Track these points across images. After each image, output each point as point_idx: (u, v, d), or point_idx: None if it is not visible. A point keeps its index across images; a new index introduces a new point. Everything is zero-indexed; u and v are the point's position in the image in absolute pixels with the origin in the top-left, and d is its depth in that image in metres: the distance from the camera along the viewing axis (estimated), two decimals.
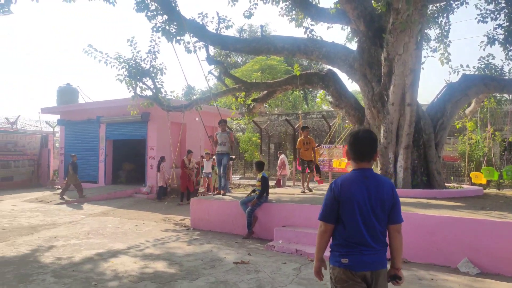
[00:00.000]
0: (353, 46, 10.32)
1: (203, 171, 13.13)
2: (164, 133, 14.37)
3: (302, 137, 9.43)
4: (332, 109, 12.88)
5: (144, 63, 10.88)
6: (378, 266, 2.34)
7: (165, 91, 11.29)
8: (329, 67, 11.34)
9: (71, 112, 18.53)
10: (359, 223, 2.31)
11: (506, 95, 12.07)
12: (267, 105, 34.87)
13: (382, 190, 2.38)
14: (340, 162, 12.39)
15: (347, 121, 11.76)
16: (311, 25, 10.53)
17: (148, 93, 11.34)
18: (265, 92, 11.97)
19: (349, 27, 10.53)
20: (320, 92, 12.84)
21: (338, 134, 16.07)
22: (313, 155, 9.33)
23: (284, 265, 5.49)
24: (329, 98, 10.81)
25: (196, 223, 8.48)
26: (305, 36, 10.41)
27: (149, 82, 11.08)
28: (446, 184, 10.01)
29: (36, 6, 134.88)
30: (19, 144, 20.67)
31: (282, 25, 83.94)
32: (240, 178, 21.48)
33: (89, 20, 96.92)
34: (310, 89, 34.50)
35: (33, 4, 57.09)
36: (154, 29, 9.94)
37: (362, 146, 2.45)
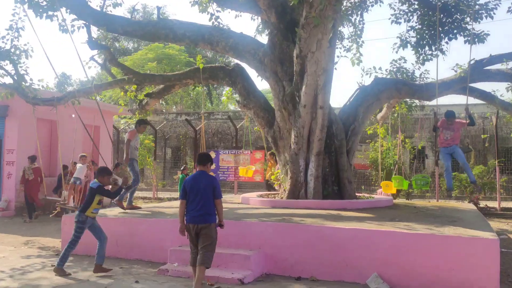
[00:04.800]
0: (264, 39, 10.67)
1: (74, 175, 12.33)
2: (28, 132, 13.12)
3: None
4: (240, 109, 13.15)
5: (3, 41, 9.88)
6: (201, 221, 5.40)
7: (31, 79, 10.36)
8: (237, 61, 11.56)
9: None
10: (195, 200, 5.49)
11: (417, 101, 13.61)
12: (163, 102, 34.23)
13: (205, 181, 5.52)
14: (247, 170, 12.68)
15: (257, 124, 12.11)
16: (217, 11, 10.61)
17: (7, 80, 10.29)
18: (161, 86, 11.72)
19: (259, 18, 10.85)
20: (227, 90, 13.00)
21: (246, 138, 16.45)
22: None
23: None
24: (236, 96, 11.01)
25: None
26: (211, 23, 10.46)
27: (9, 67, 10.07)
28: (357, 193, 10.88)
29: None
30: None
31: (183, 9, 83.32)
32: None
33: None
34: (215, 85, 34.81)
35: None
36: None
37: (200, 157, 5.84)
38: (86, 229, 6.52)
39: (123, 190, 7.96)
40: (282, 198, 9.52)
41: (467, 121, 8.78)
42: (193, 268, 5.47)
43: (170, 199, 15.65)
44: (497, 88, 29.39)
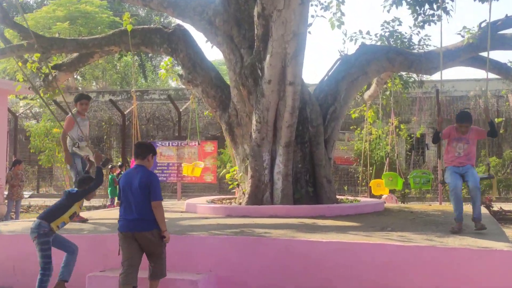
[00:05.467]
0: None
1: None
2: None
3: None
4: (184, 86, 13.01)
5: None
6: (137, 228, 5.55)
7: None
8: (178, 21, 11.41)
9: None
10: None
11: (414, 75, 13.94)
12: (79, 77, 33.44)
13: (140, 178, 5.62)
14: (194, 168, 12.58)
15: (206, 106, 12.03)
16: None
17: None
18: (75, 55, 11.44)
19: None
20: (165, 60, 12.84)
21: (192, 124, 16.34)
22: None
23: None
24: (179, 69, 10.91)
25: None
26: None
27: None
28: (338, 196, 11.04)
29: None
30: None
31: None
32: (30, 196, 20.18)
33: None
34: (150, 55, 34.35)
35: None
36: None
37: (137, 148, 5.98)
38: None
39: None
40: (240, 203, 9.54)
41: (487, 130, 7.59)
42: None
43: (89, 208, 15.36)
44: None
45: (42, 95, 11.52)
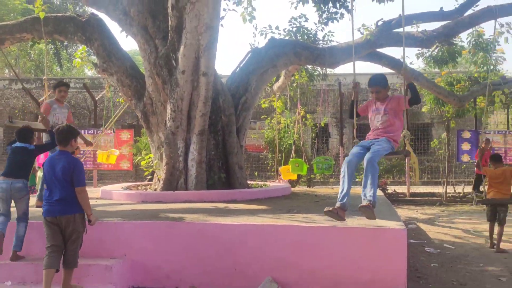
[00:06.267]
0: None
1: None
2: None
3: None
4: (99, 75, 12.59)
5: None
6: (60, 212, 5.49)
7: None
8: (93, 10, 11.02)
9: None
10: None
11: (319, 69, 14.29)
12: None
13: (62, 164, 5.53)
14: (109, 156, 12.17)
15: (121, 95, 11.71)
16: None
17: None
18: None
19: None
20: (80, 48, 12.34)
21: (108, 113, 15.86)
22: None
23: None
24: (94, 58, 10.54)
25: None
26: None
27: None
28: (249, 181, 11.15)
29: None
30: None
31: None
32: None
33: None
34: (66, 43, 32.87)
35: None
36: None
37: (58, 134, 5.69)
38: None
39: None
40: (155, 190, 9.40)
41: (409, 97, 6.21)
42: (45, 272, 5.37)
43: None
44: (407, 55, 32.16)
45: None
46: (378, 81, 6.31)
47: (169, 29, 8.96)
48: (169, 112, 9.09)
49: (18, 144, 6.54)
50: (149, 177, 11.96)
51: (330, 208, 5.66)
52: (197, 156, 9.04)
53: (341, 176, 5.94)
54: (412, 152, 6.58)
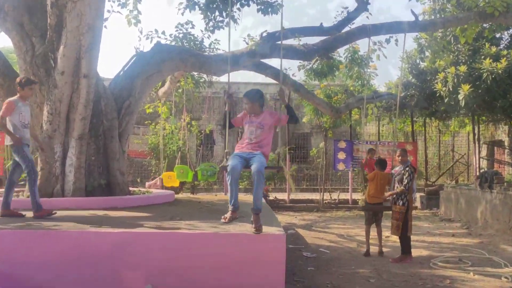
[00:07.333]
0: None
1: None
2: None
3: None
4: None
5: None
6: None
7: None
8: None
9: None
10: None
11: (205, 76, 14.32)
12: None
13: None
14: None
15: None
16: None
17: None
18: None
19: None
20: None
21: None
22: None
23: None
24: None
25: None
26: None
27: None
28: (132, 188, 10.88)
29: None
30: None
31: None
32: None
33: None
34: None
35: None
36: None
37: None
38: None
39: None
40: (28, 196, 8.82)
41: (286, 116, 6.61)
42: None
43: None
44: (289, 67, 33.34)
45: None
46: (250, 96, 6.55)
47: (48, 27, 8.56)
48: (46, 115, 8.65)
49: None
50: (22, 182, 11.19)
51: (227, 217, 6.29)
52: (75, 161, 8.65)
53: (228, 183, 6.24)
54: (284, 167, 7.08)
